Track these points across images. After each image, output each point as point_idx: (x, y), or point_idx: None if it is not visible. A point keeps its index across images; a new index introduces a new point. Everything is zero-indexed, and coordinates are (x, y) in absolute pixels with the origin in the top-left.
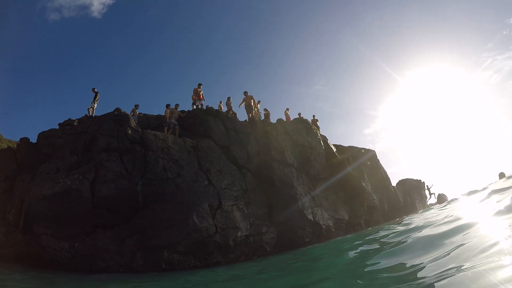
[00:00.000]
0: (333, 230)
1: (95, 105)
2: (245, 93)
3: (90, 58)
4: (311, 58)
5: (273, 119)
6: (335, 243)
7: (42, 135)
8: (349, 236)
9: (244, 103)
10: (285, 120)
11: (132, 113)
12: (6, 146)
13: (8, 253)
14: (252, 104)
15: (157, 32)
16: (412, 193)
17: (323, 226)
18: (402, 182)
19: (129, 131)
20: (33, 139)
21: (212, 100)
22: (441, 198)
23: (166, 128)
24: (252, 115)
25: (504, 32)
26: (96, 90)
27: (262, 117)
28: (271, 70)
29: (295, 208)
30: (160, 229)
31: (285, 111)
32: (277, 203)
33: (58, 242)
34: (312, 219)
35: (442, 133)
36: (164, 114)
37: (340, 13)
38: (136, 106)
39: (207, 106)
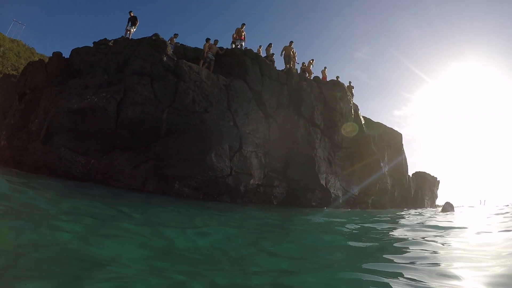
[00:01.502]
0: (340, 201)
1: (133, 30)
2: (291, 42)
3: None
4: (359, 24)
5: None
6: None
7: (76, 51)
8: (357, 210)
9: (284, 52)
10: (321, 78)
11: (169, 41)
12: (38, 59)
13: (26, 160)
14: (292, 55)
15: None
16: (424, 188)
17: (332, 195)
18: (418, 175)
19: (165, 58)
20: (66, 56)
21: (251, 44)
22: (447, 207)
23: (202, 62)
24: (290, 66)
25: None
26: (133, 14)
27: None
28: (317, 26)
29: (311, 170)
30: (176, 160)
31: (323, 70)
32: (295, 160)
33: (75, 156)
34: (324, 184)
35: (470, 134)
36: (202, 47)
37: None
38: (175, 35)
39: (245, 48)
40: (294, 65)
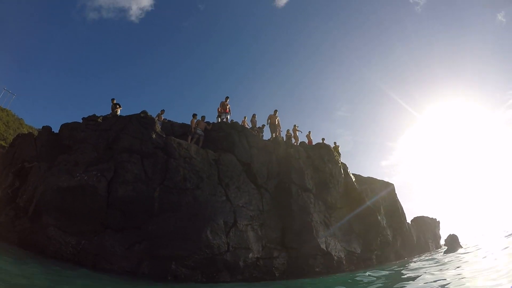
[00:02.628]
0: (344, 262)
1: (119, 110)
2: (275, 111)
3: (121, 60)
4: (337, 85)
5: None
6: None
7: (65, 127)
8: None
9: (270, 120)
10: (307, 143)
11: (157, 118)
12: (26, 132)
13: (13, 237)
14: (277, 123)
15: (191, 44)
16: (426, 232)
17: (335, 257)
18: (417, 220)
19: (154, 135)
20: (55, 129)
21: (235, 116)
22: (452, 241)
23: (190, 138)
24: (276, 135)
25: None
26: (115, 101)
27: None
28: (297, 92)
29: (309, 235)
30: (171, 240)
31: (308, 134)
32: (292, 228)
33: (65, 236)
34: (325, 248)
35: (459, 171)
36: (189, 123)
37: (365, 47)
38: (162, 111)
39: (231, 120)
40: (279, 133)
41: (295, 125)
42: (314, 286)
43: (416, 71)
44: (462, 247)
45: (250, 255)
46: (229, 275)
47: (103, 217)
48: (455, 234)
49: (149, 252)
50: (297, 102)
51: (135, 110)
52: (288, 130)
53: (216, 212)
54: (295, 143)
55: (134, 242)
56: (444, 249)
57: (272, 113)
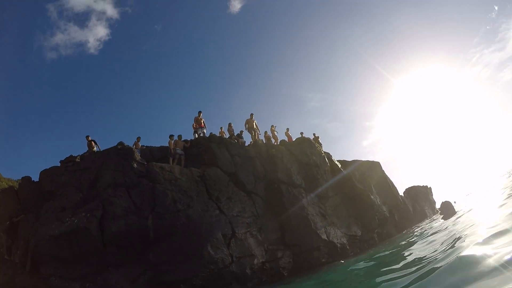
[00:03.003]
0: (347, 247)
1: (96, 148)
2: (251, 115)
3: (87, 94)
4: (302, 76)
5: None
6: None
7: (44, 173)
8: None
9: (247, 125)
10: (287, 140)
11: (134, 146)
12: (6, 185)
13: None
14: (255, 127)
15: (155, 66)
16: (420, 200)
17: (338, 245)
18: (409, 190)
19: (135, 164)
20: (33, 177)
21: (211, 128)
22: (446, 208)
23: (171, 159)
24: (256, 139)
25: (487, 27)
26: (90, 138)
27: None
28: (266, 92)
29: (308, 229)
30: (174, 263)
31: (286, 132)
32: (289, 225)
33: (68, 283)
34: (326, 238)
35: (439, 134)
36: (167, 145)
37: (328, 24)
38: (138, 139)
39: (210, 133)
40: (258, 136)
41: (272, 126)
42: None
43: (380, 43)
44: (456, 212)
45: (255, 261)
46: (238, 285)
47: (102, 256)
48: (448, 200)
49: (156, 280)
50: (270, 103)
51: (111, 143)
52: (266, 132)
53: (212, 227)
54: (275, 143)
55: (138, 274)
56: (441, 216)
57: (249, 117)
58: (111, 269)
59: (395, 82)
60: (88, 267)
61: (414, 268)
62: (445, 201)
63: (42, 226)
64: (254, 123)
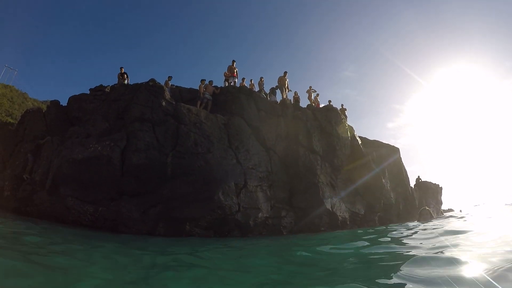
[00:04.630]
0: (348, 222)
1: (127, 80)
2: (285, 73)
3: (126, 26)
4: (343, 44)
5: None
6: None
7: (73, 99)
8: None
9: (280, 82)
10: (314, 105)
11: (165, 84)
12: (32, 105)
13: (32, 211)
14: (286, 85)
15: (199, 11)
16: (428, 197)
17: (340, 218)
18: (420, 184)
19: (164, 102)
20: (60, 101)
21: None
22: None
23: (199, 103)
24: (285, 98)
25: None
26: (123, 70)
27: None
28: (300, 53)
29: (315, 196)
30: (185, 202)
31: (315, 97)
32: (299, 188)
33: (83, 205)
34: (330, 209)
35: (464, 137)
36: (198, 88)
37: (372, 10)
38: (169, 78)
39: (241, 83)
40: (286, 95)
41: (310, 87)
42: (317, 240)
43: (425, 38)
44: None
45: (260, 214)
46: (240, 233)
47: (119, 185)
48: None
49: (164, 214)
50: (303, 64)
51: (142, 79)
52: (296, 92)
53: (227, 175)
54: (313, 104)
55: (149, 206)
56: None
57: (282, 74)
58: (124, 198)
59: (433, 72)
60: (104, 193)
61: None
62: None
63: (66, 149)
64: (286, 82)
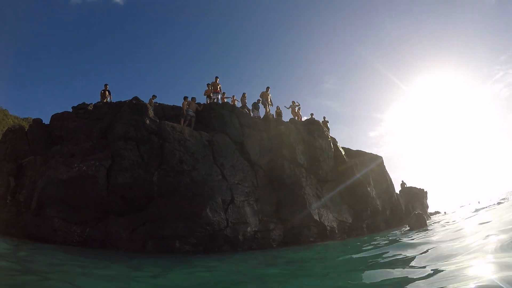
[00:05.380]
0: (336, 231)
1: (109, 98)
2: (267, 88)
3: (106, 42)
4: (322, 57)
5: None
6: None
7: (56, 117)
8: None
9: (262, 97)
10: (296, 119)
11: (148, 103)
12: (12, 122)
13: (18, 233)
14: (269, 100)
15: (184, 28)
16: (414, 202)
17: (328, 227)
18: (405, 190)
19: (147, 121)
20: (42, 118)
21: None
22: (416, 222)
23: (182, 120)
24: (267, 112)
25: None
26: (108, 87)
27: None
28: (281, 66)
29: (302, 208)
30: (173, 220)
31: (297, 110)
32: (286, 201)
33: (70, 226)
34: (318, 219)
35: (446, 142)
36: (181, 105)
37: (354, 21)
38: (153, 97)
39: (222, 99)
40: (269, 110)
41: (293, 102)
42: (308, 251)
43: (405, 47)
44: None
45: (248, 228)
46: (230, 248)
47: (105, 204)
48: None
49: (153, 233)
50: (285, 78)
51: (124, 98)
52: (278, 107)
53: (213, 191)
54: (296, 118)
55: (137, 225)
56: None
57: (265, 90)
58: (112, 217)
59: (411, 80)
60: (91, 213)
61: None
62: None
63: (50, 169)
64: (269, 96)
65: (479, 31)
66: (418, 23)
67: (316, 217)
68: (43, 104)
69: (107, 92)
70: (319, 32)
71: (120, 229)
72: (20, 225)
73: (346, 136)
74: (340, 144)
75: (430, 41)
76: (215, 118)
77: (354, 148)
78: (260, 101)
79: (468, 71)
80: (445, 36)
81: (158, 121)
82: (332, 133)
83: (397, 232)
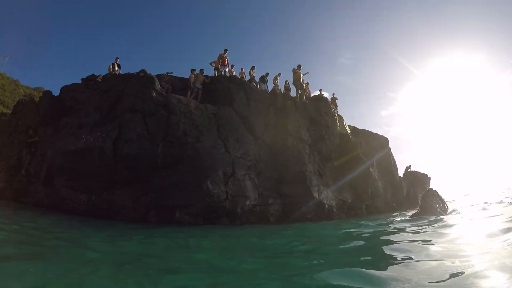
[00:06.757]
0: (334, 210)
1: (119, 70)
2: (299, 66)
3: (117, 19)
4: (338, 29)
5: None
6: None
7: (66, 89)
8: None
9: (294, 76)
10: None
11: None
12: (23, 92)
13: (28, 201)
14: (302, 80)
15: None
16: (416, 187)
17: (326, 206)
18: (409, 174)
19: (154, 93)
20: (53, 89)
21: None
22: (425, 208)
23: (189, 92)
24: (274, 88)
25: None
26: (118, 61)
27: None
28: (294, 40)
29: (303, 184)
30: (175, 191)
31: (306, 86)
32: (287, 177)
33: (77, 195)
34: (317, 197)
35: (457, 128)
36: (188, 78)
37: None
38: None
39: (230, 71)
40: (303, 92)
41: (307, 83)
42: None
43: (421, 29)
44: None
45: (247, 202)
46: (228, 220)
47: (111, 174)
48: (434, 189)
49: (155, 202)
50: (298, 50)
51: (135, 69)
52: (286, 81)
53: (216, 164)
54: (306, 94)
55: (140, 195)
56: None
57: (296, 68)
58: (117, 187)
59: (430, 62)
60: (97, 182)
61: None
62: (430, 192)
63: (60, 140)
64: (301, 76)
65: (498, 16)
66: (436, 4)
67: (316, 195)
68: (53, 73)
69: (116, 66)
70: (335, 5)
71: (124, 198)
72: (30, 194)
73: (359, 114)
74: (350, 122)
75: (448, 23)
76: (221, 91)
77: (365, 126)
78: (279, 76)
79: (487, 58)
80: (464, 20)
81: (165, 93)
82: (344, 110)
83: (397, 218)
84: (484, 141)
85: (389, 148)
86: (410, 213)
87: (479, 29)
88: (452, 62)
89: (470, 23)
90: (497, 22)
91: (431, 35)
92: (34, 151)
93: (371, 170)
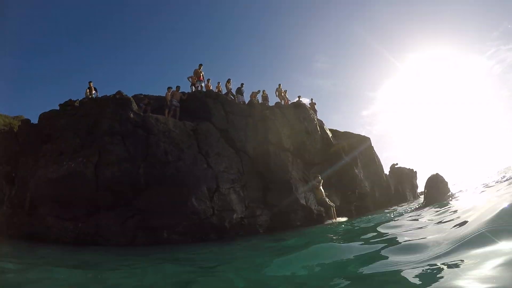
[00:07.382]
0: (323, 215)
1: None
2: (279, 85)
3: (86, 38)
4: (312, 36)
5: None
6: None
7: (44, 116)
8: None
9: (277, 93)
10: (283, 102)
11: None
12: (3, 121)
13: (14, 233)
14: (284, 95)
15: (155, 12)
16: (403, 182)
17: (315, 211)
18: (395, 171)
19: (131, 114)
20: (33, 116)
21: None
22: (431, 197)
23: (167, 111)
24: (252, 99)
25: (509, 25)
26: (92, 84)
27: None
28: (271, 45)
29: (288, 192)
30: (160, 210)
31: (284, 93)
32: (272, 186)
33: (63, 223)
34: (305, 203)
35: (439, 120)
36: (164, 96)
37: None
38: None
39: (207, 86)
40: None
41: (279, 85)
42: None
43: (397, 22)
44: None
45: (235, 215)
46: (216, 236)
47: (95, 200)
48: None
49: (142, 224)
50: (274, 58)
51: (110, 90)
52: (264, 91)
53: (199, 180)
54: (283, 102)
55: (126, 218)
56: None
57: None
58: (102, 211)
59: (404, 57)
60: (82, 208)
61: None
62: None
63: (41, 169)
64: (283, 93)
65: (470, 6)
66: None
67: (303, 201)
68: (31, 102)
69: (93, 89)
70: (308, 9)
71: (110, 223)
72: (15, 225)
73: (338, 115)
74: (332, 125)
75: (423, 18)
76: (199, 106)
77: (347, 128)
78: (258, 93)
79: (462, 46)
80: (438, 12)
81: (142, 114)
82: (324, 114)
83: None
84: (467, 128)
85: (372, 146)
86: (402, 206)
87: (451, 18)
88: (428, 54)
89: (444, 15)
90: (469, 12)
91: (406, 30)
92: (15, 181)
93: (356, 170)
